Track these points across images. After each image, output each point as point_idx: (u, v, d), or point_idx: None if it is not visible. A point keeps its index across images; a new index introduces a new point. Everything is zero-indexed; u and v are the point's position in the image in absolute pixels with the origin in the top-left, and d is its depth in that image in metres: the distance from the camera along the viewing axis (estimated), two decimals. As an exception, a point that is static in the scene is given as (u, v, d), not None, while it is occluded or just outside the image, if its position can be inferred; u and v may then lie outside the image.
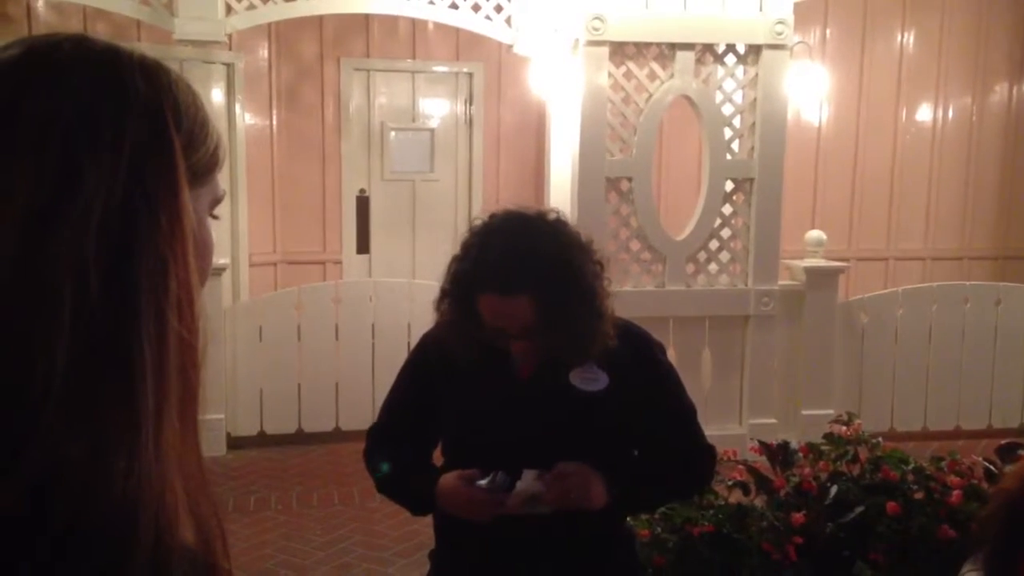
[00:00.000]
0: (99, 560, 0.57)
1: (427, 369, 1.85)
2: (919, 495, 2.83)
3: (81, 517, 0.56)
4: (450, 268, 1.72)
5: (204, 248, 0.68)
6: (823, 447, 3.00)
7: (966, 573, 1.46)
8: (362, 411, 5.19)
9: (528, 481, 1.66)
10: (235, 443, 5.14)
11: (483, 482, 1.66)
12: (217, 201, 0.71)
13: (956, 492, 2.78)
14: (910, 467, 2.91)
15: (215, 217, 0.72)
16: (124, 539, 0.57)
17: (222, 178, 0.73)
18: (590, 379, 1.73)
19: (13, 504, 0.56)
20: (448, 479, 1.72)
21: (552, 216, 1.74)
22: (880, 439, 3.06)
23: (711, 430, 4.86)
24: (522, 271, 1.63)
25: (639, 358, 1.80)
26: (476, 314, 1.68)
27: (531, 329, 1.66)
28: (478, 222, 1.73)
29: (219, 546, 0.63)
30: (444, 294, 1.73)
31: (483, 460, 1.72)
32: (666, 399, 1.83)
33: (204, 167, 0.68)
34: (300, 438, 5.25)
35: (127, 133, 0.61)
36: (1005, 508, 1.35)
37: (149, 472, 0.58)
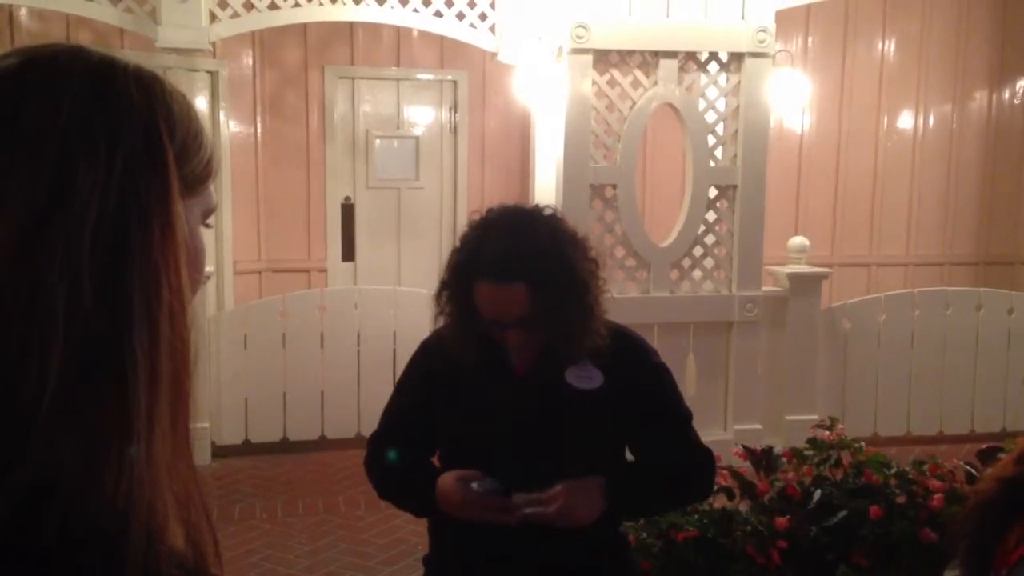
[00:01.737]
0: (91, 566, 0.57)
1: (427, 373, 1.87)
2: (901, 499, 2.85)
3: (74, 522, 0.57)
4: (449, 260, 1.77)
5: (196, 258, 0.69)
6: (806, 452, 3.02)
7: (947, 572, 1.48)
8: (348, 419, 5.19)
9: (523, 502, 1.67)
10: (220, 452, 5.12)
11: (475, 485, 1.68)
12: (210, 212, 0.72)
13: (938, 496, 2.81)
14: (892, 471, 2.94)
15: (208, 226, 0.73)
16: (116, 544, 0.57)
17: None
18: (585, 377, 1.76)
19: (7, 508, 0.56)
20: (446, 479, 1.73)
21: (549, 211, 1.79)
22: (863, 444, 3.08)
23: (696, 436, 4.87)
24: (518, 259, 1.67)
25: (634, 361, 1.83)
26: (474, 305, 1.71)
27: (527, 319, 1.68)
28: (476, 216, 1.78)
29: (211, 553, 0.64)
30: (443, 286, 1.77)
31: (478, 456, 1.74)
32: (661, 403, 1.85)
33: (197, 178, 0.69)
34: (285, 446, 5.24)
35: (121, 142, 0.62)
36: (980, 508, 1.37)
37: (140, 478, 0.59)
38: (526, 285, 1.66)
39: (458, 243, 1.76)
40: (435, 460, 1.89)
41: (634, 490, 1.77)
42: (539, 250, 1.69)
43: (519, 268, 1.66)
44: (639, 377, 1.82)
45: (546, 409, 1.76)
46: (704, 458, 1.88)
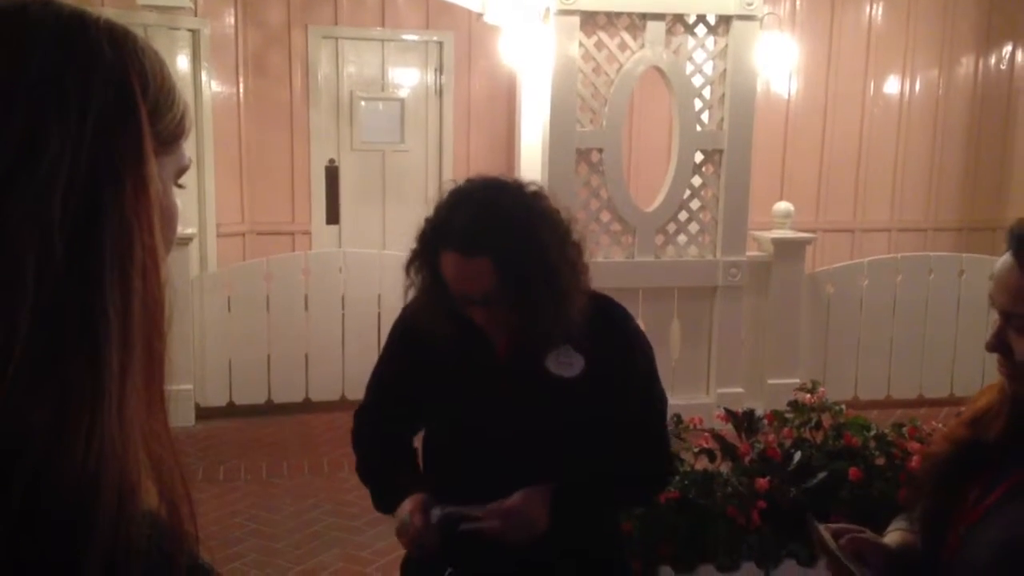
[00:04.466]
0: (62, 526, 0.57)
1: (406, 347, 1.83)
2: (880, 461, 2.88)
3: (43, 483, 0.57)
4: (420, 229, 1.69)
5: (169, 216, 0.68)
6: (787, 415, 3.05)
7: (893, 528, 1.50)
8: (332, 382, 5.20)
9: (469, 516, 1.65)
10: (204, 414, 5.12)
11: (434, 511, 1.65)
12: (183, 170, 0.71)
13: (916, 458, 2.84)
14: (872, 434, 2.97)
15: (180, 186, 0.72)
16: (86, 505, 0.57)
17: (188, 147, 0.72)
18: (565, 364, 1.71)
19: None
20: (406, 502, 1.69)
21: (532, 188, 1.71)
22: (843, 406, 3.11)
23: (679, 399, 4.94)
24: (485, 233, 1.60)
25: (617, 343, 1.76)
26: (442, 277, 1.65)
27: (491, 296, 1.62)
28: (451, 185, 1.70)
29: (186, 512, 0.64)
30: (413, 256, 1.70)
31: (455, 441, 1.74)
32: (635, 379, 1.78)
33: (170, 135, 0.68)
34: (269, 409, 5.25)
35: (93, 98, 0.61)
36: (935, 471, 1.39)
37: (112, 438, 0.58)
38: (491, 261, 1.59)
39: (431, 212, 1.69)
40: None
41: (582, 504, 1.72)
42: (508, 226, 1.60)
43: (485, 243, 1.58)
44: (617, 352, 1.76)
45: (525, 398, 1.71)
46: (661, 471, 1.85)
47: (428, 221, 1.68)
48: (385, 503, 1.79)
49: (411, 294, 1.75)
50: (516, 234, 1.61)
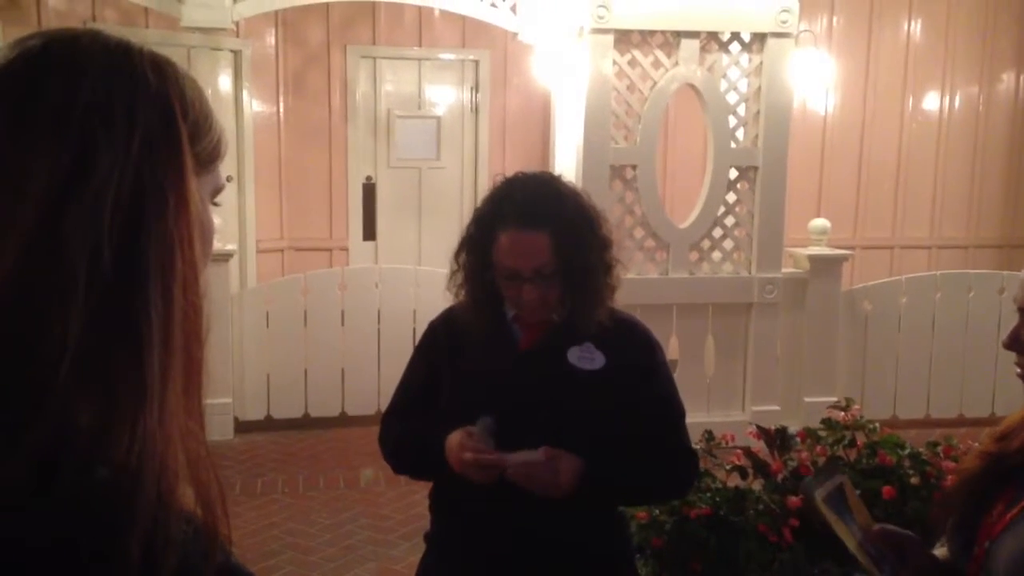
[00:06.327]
0: (103, 520, 0.61)
1: (434, 349, 1.90)
2: (915, 480, 2.86)
3: (88, 478, 0.60)
4: (474, 215, 1.81)
5: (207, 232, 0.73)
6: (821, 432, 3.04)
7: (939, 545, 1.50)
8: (368, 397, 5.26)
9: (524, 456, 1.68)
10: (242, 427, 5.20)
11: (474, 427, 1.69)
12: (218, 190, 0.76)
13: (951, 477, 2.81)
14: (906, 452, 2.94)
15: (216, 204, 0.76)
16: (127, 501, 0.61)
17: (229, 165, 0.77)
18: (587, 358, 1.78)
19: (25, 464, 0.60)
20: (454, 434, 1.73)
21: (571, 184, 1.86)
22: (877, 424, 3.09)
23: (714, 416, 4.92)
24: (544, 208, 1.73)
25: (638, 351, 1.84)
26: (491, 261, 1.74)
27: (546, 270, 1.71)
28: (500, 177, 1.83)
29: (220, 512, 0.67)
30: (465, 241, 1.80)
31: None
32: (657, 396, 1.83)
33: (207, 156, 0.72)
34: (306, 423, 5.31)
35: (139, 120, 0.66)
36: (964, 485, 1.39)
37: (153, 437, 0.62)
38: (549, 235, 1.70)
39: (481, 203, 1.81)
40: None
41: (609, 481, 1.76)
42: (564, 203, 1.75)
43: (544, 217, 1.71)
44: (640, 369, 1.82)
45: (545, 386, 1.77)
46: (688, 460, 1.87)
47: (482, 206, 1.79)
48: (431, 462, 1.77)
49: (455, 280, 1.83)
50: (571, 211, 1.74)
